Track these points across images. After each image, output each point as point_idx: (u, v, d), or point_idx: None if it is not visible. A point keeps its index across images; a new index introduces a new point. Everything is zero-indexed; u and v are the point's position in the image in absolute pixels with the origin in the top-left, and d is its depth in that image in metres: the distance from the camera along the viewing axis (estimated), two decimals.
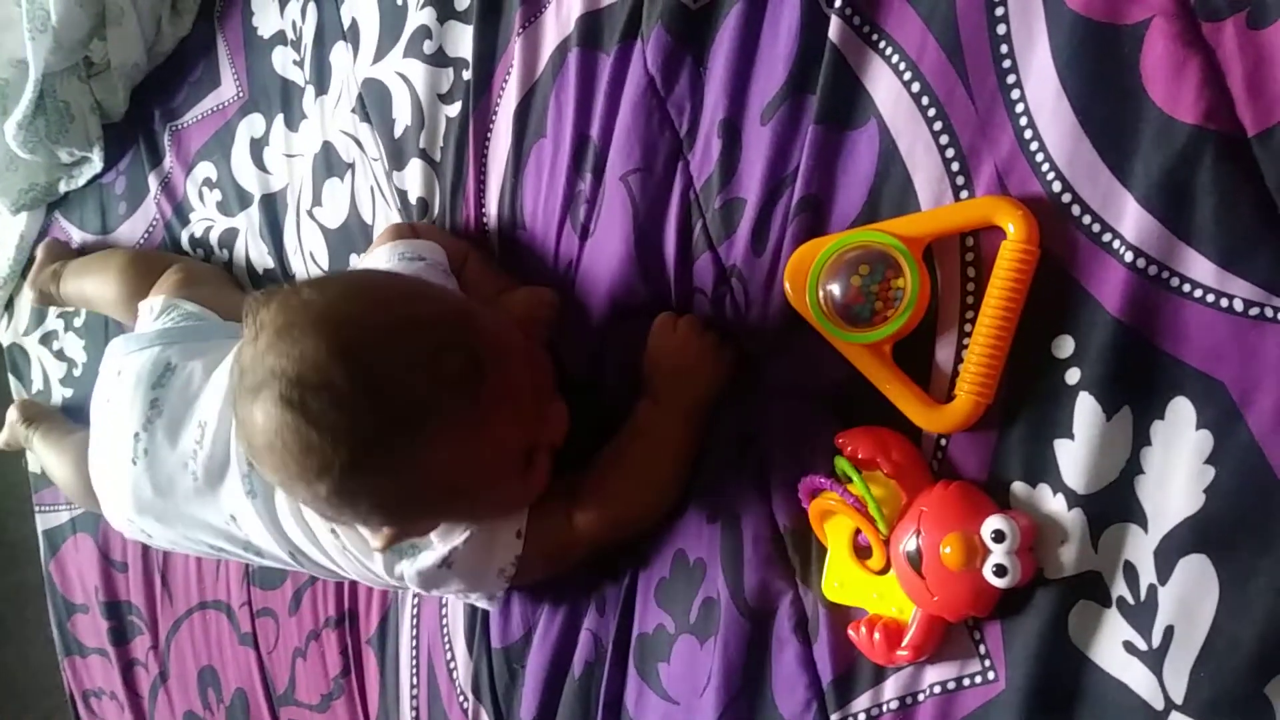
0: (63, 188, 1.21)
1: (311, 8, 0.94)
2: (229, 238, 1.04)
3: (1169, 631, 0.50)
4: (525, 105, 0.78)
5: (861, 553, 0.60)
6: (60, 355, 1.24)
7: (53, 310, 1.24)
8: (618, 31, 0.71)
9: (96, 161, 1.16)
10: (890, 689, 0.59)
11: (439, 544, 0.67)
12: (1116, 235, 0.52)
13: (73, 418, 1.18)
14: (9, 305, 1.30)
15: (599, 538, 0.69)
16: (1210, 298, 0.49)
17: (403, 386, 0.56)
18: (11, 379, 1.31)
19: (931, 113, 0.58)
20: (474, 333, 0.60)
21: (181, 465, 0.78)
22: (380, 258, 0.76)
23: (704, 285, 0.67)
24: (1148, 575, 0.51)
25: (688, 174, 0.68)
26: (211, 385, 0.79)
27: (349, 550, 0.72)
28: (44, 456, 1.14)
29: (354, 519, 0.64)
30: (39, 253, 1.21)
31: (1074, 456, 0.53)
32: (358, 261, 0.75)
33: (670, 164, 0.68)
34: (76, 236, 1.22)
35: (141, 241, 1.14)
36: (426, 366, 0.56)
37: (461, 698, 0.81)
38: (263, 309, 0.57)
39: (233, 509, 0.76)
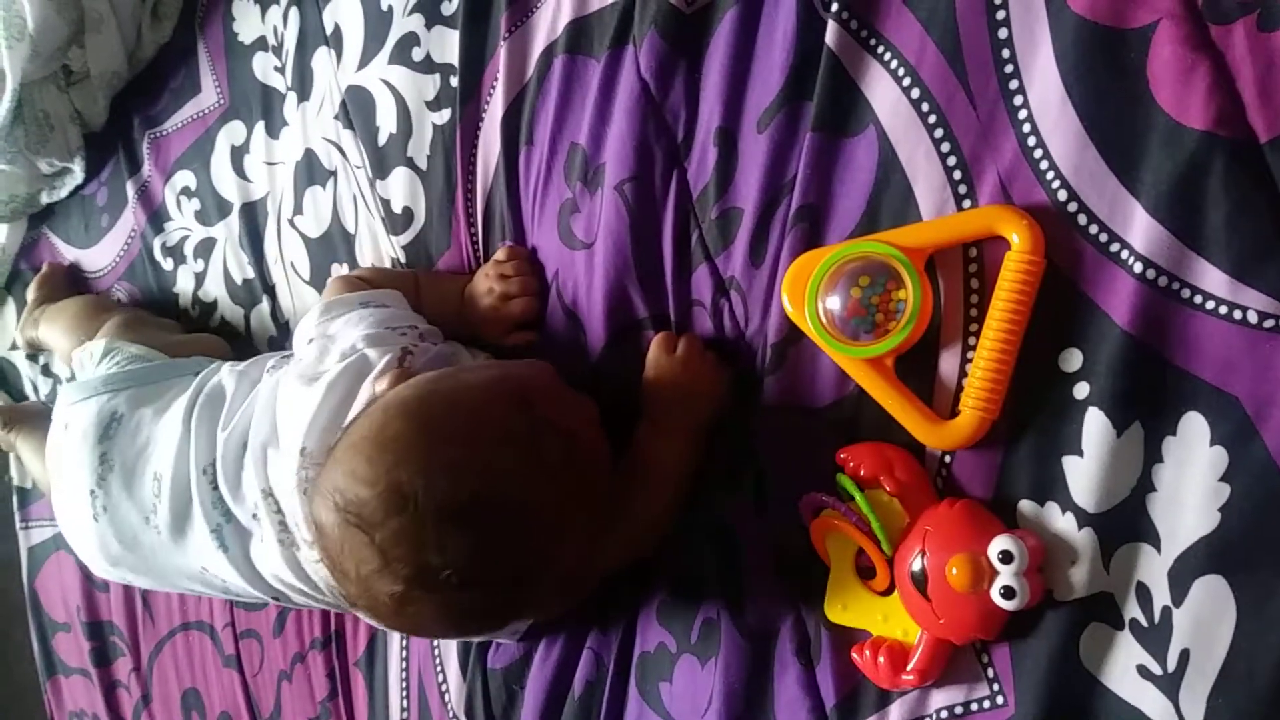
0: (44, 199, 1.19)
1: (293, 13, 0.92)
2: (205, 248, 1.02)
3: (1185, 655, 0.48)
4: (513, 112, 0.76)
5: (864, 573, 0.58)
6: (47, 371, 1.22)
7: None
8: (608, 37, 0.70)
9: (78, 172, 1.14)
10: (895, 713, 0.57)
11: None
12: (1125, 245, 0.50)
13: None
14: None
15: (607, 563, 0.67)
16: (1223, 309, 0.48)
17: (528, 501, 0.56)
18: (0, 392, 1.29)
19: (932, 119, 0.56)
20: (541, 407, 0.60)
21: (143, 520, 0.77)
22: (353, 322, 0.71)
23: (702, 297, 0.66)
24: (1161, 597, 0.49)
25: (684, 183, 0.66)
26: (162, 433, 0.78)
27: None
28: (27, 460, 1.13)
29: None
30: (30, 293, 1.17)
31: (1083, 474, 0.51)
32: (318, 327, 0.72)
33: (666, 172, 0.67)
34: (64, 251, 1.20)
35: (121, 253, 1.12)
36: (538, 472, 0.56)
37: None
38: (348, 508, 0.56)
39: (203, 562, 0.75)
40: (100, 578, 1.12)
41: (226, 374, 0.79)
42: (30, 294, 1.16)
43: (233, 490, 0.72)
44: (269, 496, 0.70)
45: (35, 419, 1.15)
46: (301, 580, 0.71)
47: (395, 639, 0.85)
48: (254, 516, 0.71)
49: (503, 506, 0.55)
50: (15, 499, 1.27)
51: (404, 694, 0.84)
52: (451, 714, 0.80)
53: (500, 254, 0.76)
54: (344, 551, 0.56)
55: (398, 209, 0.84)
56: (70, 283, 1.17)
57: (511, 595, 0.58)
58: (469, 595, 0.55)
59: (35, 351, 1.19)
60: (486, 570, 0.55)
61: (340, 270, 0.88)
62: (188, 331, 1.00)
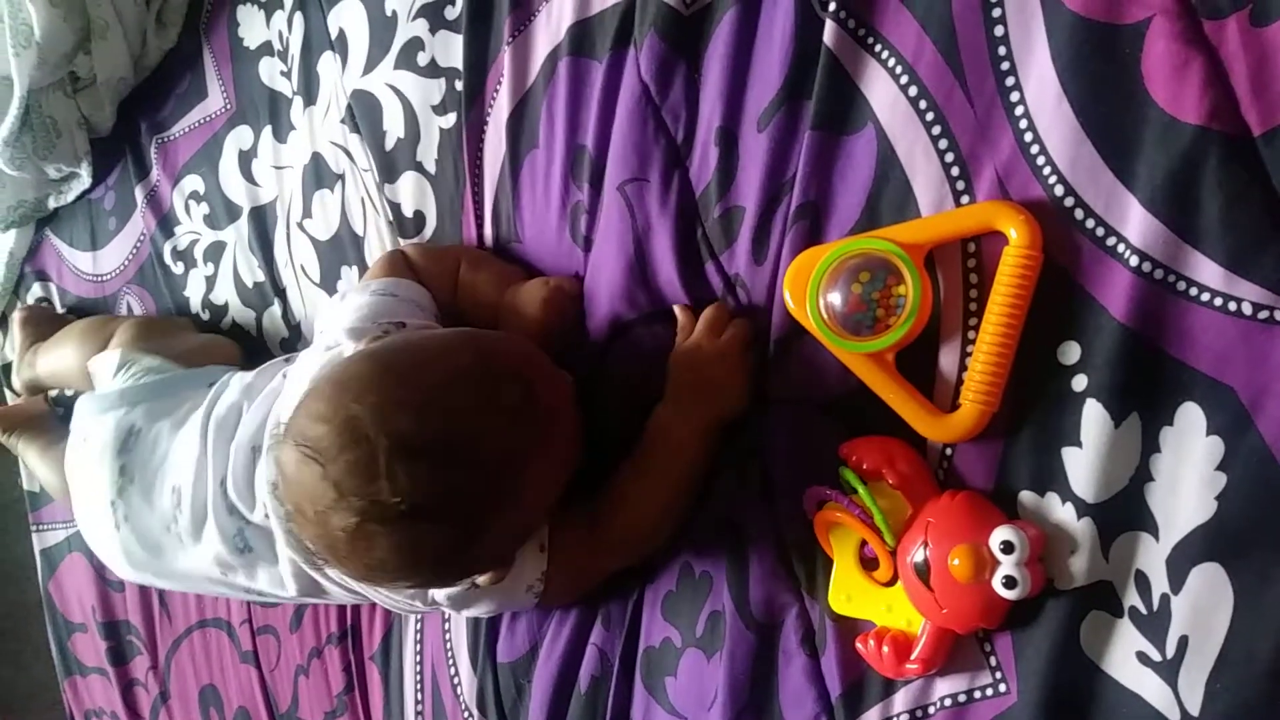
0: (52, 204, 1.20)
1: (298, 18, 0.93)
2: (215, 251, 1.03)
3: (1183, 642, 0.49)
4: (517, 115, 0.77)
5: (868, 564, 0.59)
6: (59, 400, 1.22)
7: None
8: (609, 39, 0.70)
9: (85, 177, 1.15)
10: (900, 702, 0.58)
11: None
12: (1121, 239, 0.51)
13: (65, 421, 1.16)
14: (1, 323, 1.29)
15: (619, 552, 0.68)
16: (1218, 301, 0.49)
17: (482, 443, 0.57)
18: (10, 396, 1.30)
19: (930, 116, 0.57)
20: (518, 366, 0.61)
21: (164, 529, 0.79)
22: (347, 311, 0.72)
23: (706, 295, 0.66)
24: (1160, 585, 0.50)
25: (686, 182, 0.67)
26: (180, 446, 0.79)
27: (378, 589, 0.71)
28: (32, 464, 1.14)
29: (470, 578, 0.64)
30: (16, 334, 1.16)
31: (1082, 464, 0.52)
32: (326, 314, 0.75)
33: (668, 173, 0.67)
34: (67, 254, 1.21)
35: (130, 257, 1.13)
36: (493, 411, 0.57)
37: (466, 713, 0.81)
38: (308, 435, 0.57)
39: (226, 562, 0.76)
40: (117, 577, 1.14)
41: (235, 385, 0.80)
42: (17, 338, 1.15)
43: (244, 497, 0.74)
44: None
45: (37, 422, 1.15)
46: (312, 569, 0.72)
47: (410, 635, 0.86)
48: (265, 516, 0.72)
49: (456, 442, 0.56)
50: (26, 503, 1.29)
51: (418, 687, 0.85)
52: (464, 707, 0.81)
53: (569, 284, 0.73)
54: (301, 490, 0.57)
55: (409, 212, 0.85)
56: (52, 316, 1.18)
57: (465, 534, 0.58)
58: (422, 529, 0.55)
59: (37, 393, 1.17)
60: (438, 503, 0.55)
61: (350, 273, 0.89)
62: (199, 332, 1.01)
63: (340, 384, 0.58)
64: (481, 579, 0.64)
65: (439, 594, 0.69)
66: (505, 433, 0.58)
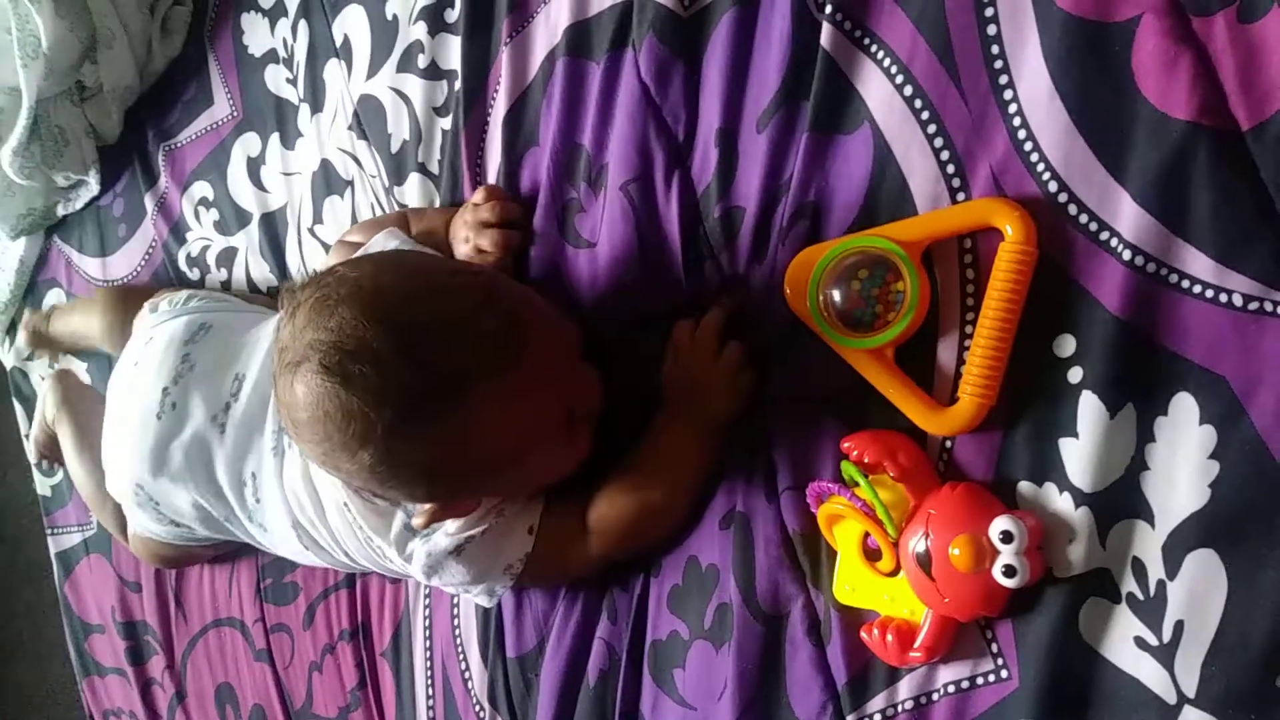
0: (61, 211, 1.21)
1: (302, 25, 0.94)
2: (227, 257, 1.04)
3: (1179, 626, 0.50)
4: (515, 114, 0.78)
5: (871, 555, 0.60)
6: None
7: None
8: (607, 40, 0.71)
9: (93, 184, 1.16)
10: (904, 689, 0.59)
11: (456, 530, 0.68)
12: (1114, 233, 0.52)
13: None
14: (11, 329, 1.30)
15: (610, 547, 0.69)
16: (1209, 293, 0.50)
17: (443, 346, 0.56)
18: (16, 403, 1.31)
19: (925, 115, 0.58)
20: (507, 294, 0.61)
21: (210, 418, 0.77)
22: (379, 244, 0.76)
23: (707, 294, 0.67)
24: (1156, 571, 0.51)
25: (688, 181, 0.68)
26: (250, 340, 0.79)
27: (359, 525, 0.71)
28: (67, 452, 1.09)
29: (399, 493, 0.63)
30: (20, 337, 1.17)
31: (1079, 455, 0.53)
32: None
33: (669, 172, 0.68)
34: (77, 260, 1.22)
35: (142, 263, 1.14)
36: (465, 326, 0.57)
37: (478, 707, 0.82)
38: (299, 289, 0.58)
39: (254, 467, 0.76)
40: (135, 579, 1.15)
41: None
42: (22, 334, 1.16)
43: None
44: None
45: (83, 408, 1.10)
46: (316, 510, 0.73)
47: (419, 630, 0.87)
48: None
49: (416, 335, 0.55)
50: (41, 506, 1.30)
51: (429, 682, 0.87)
52: (475, 701, 0.82)
53: (477, 195, 0.75)
54: (279, 338, 0.58)
55: None
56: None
57: (391, 431, 0.55)
58: (351, 400, 0.54)
59: (37, 345, 1.17)
60: (375, 379, 0.54)
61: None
62: None
63: (339, 277, 0.58)
64: (416, 518, 0.63)
65: (417, 549, 0.69)
66: (468, 354, 0.56)
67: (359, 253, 0.75)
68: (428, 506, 0.65)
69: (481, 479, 0.64)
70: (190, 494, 0.80)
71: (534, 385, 0.59)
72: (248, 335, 0.79)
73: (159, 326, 0.85)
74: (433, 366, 0.55)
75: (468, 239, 0.75)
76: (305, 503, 0.74)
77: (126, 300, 1.02)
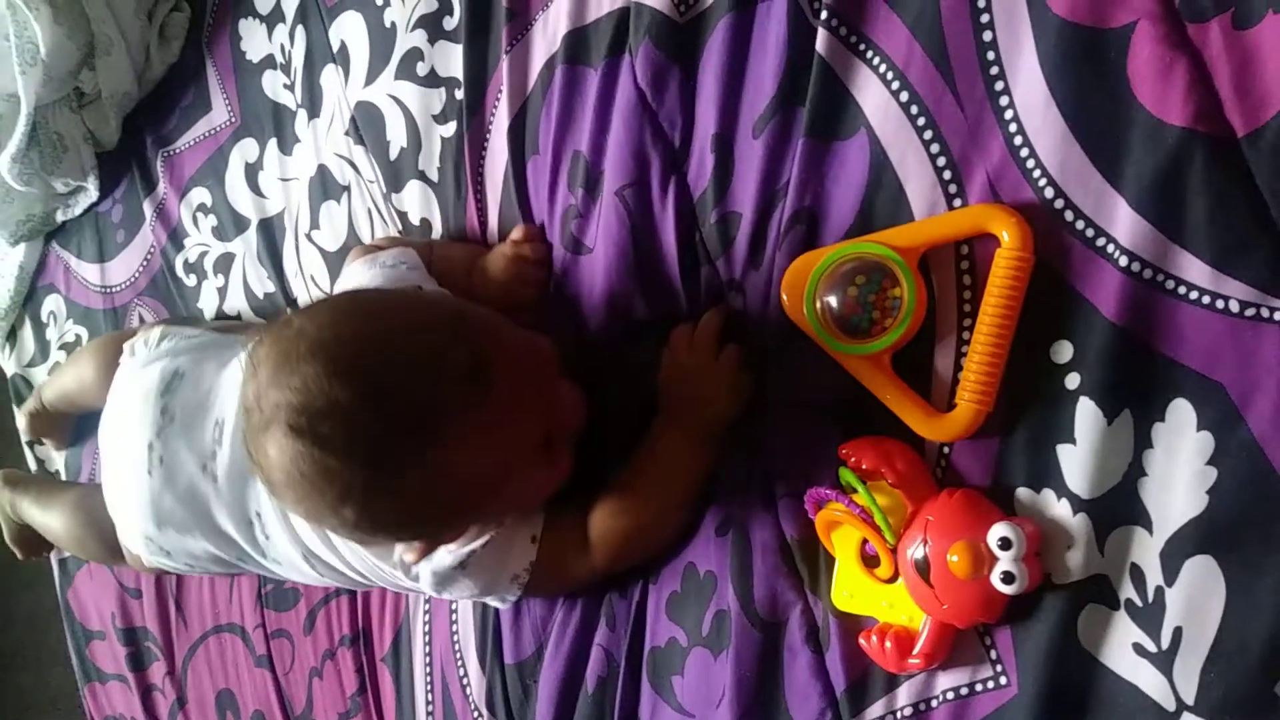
0: (60, 217, 1.21)
1: (300, 31, 0.94)
2: (225, 263, 1.04)
3: (1178, 633, 0.50)
4: (518, 123, 0.78)
5: (869, 562, 0.60)
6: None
7: (55, 341, 1.24)
8: (604, 46, 0.71)
9: (92, 190, 1.16)
10: (903, 696, 0.59)
11: (457, 546, 0.68)
12: (1110, 239, 0.52)
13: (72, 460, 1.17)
14: (11, 336, 1.31)
15: (611, 560, 0.69)
16: (1205, 299, 0.50)
17: (409, 391, 0.55)
18: (16, 410, 1.31)
19: (921, 121, 0.58)
20: (471, 329, 0.60)
21: (200, 468, 0.77)
22: (359, 271, 0.76)
23: (704, 300, 0.67)
24: (1154, 577, 0.51)
25: (684, 187, 0.68)
26: (226, 381, 0.78)
27: (363, 555, 0.72)
28: (34, 517, 1.07)
29: (387, 539, 0.63)
30: (20, 424, 1.16)
31: (1077, 461, 0.53)
32: (335, 286, 0.77)
33: (665, 178, 0.68)
34: (75, 265, 1.22)
35: (140, 269, 1.14)
36: (430, 368, 0.56)
37: (476, 713, 0.82)
38: (257, 348, 0.58)
39: (257, 505, 0.76)
40: (135, 584, 1.15)
41: None
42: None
43: None
44: None
45: (38, 482, 1.11)
46: (321, 539, 0.73)
47: (419, 636, 0.88)
48: None
49: (379, 385, 0.54)
50: None
51: (429, 688, 0.87)
52: (474, 707, 0.82)
53: (517, 234, 0.76)
54: (243, 391, 0.57)
55: (415, 220, 0.86)
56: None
57: (371, 479, 0.55)
58: (325, 459, 0.54)
59: (38, 435, 1.16)
60: (341, 432, 0.54)
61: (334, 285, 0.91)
62: None
63: (314, 306, 0.58)
64: (407, 554, 0.62)
65: (422, 570, 0.69)
66: (436, 395, 0.56)
67: (340, 283, 0.75)
68: (417, 544, 0.65)
69: (463, 514, 0.64)
70: (199, 542, 0.81)
71: (507, 416, 0.59)
72: (221, 376, 0.79)
73: (134, 376, 0.84)
74: (400, 415, 0.55)
75: (507, 270, 0.75)
76: (312, 535, 0.74)
77: (116, 343, 0.99)
